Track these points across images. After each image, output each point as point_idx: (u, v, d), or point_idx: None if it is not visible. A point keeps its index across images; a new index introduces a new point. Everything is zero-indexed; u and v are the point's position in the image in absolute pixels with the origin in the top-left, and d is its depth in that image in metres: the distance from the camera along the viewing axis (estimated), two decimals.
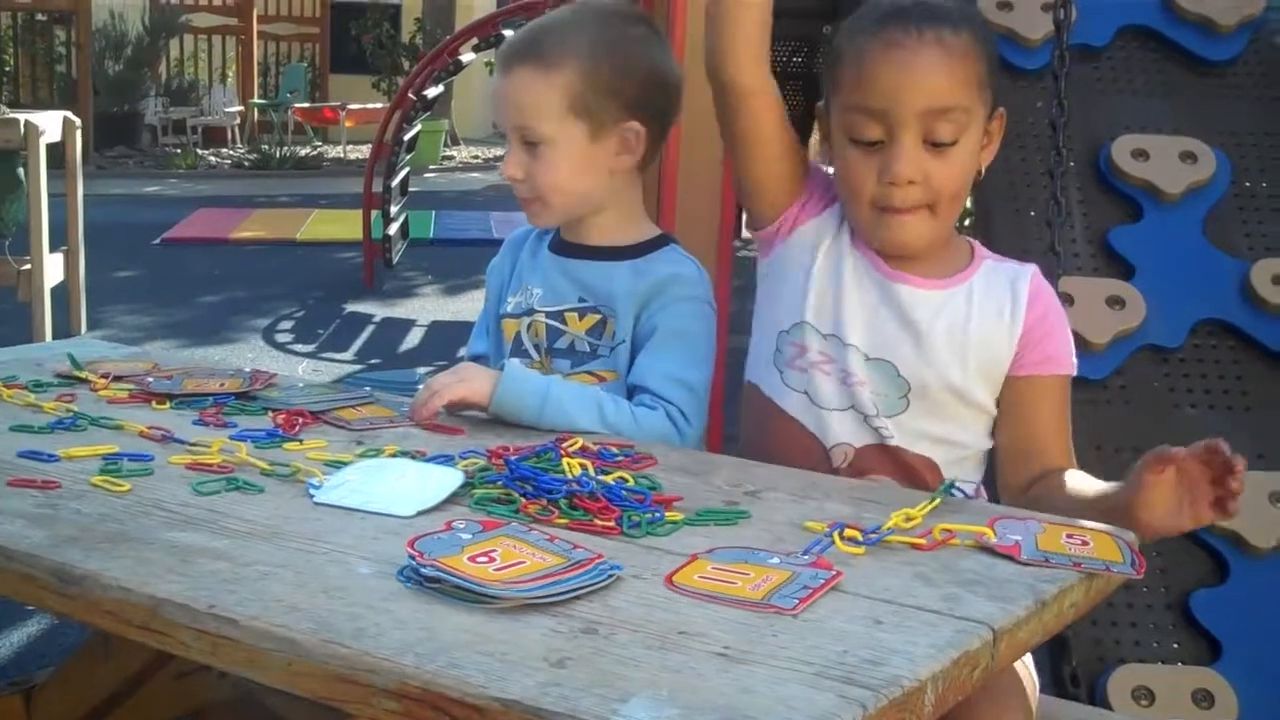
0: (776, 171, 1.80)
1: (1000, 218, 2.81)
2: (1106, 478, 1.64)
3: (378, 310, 7.64)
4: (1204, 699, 2.17)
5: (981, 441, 1.75)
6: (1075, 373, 1.77)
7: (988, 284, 1.75)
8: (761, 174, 1.81)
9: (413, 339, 7.03)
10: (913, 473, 1.72)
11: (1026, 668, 1.62)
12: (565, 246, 2.01)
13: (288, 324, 7.20)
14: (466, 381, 1.83)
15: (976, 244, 1.82)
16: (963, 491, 1.72)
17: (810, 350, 1.76)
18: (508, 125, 1.93)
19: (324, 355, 6.46)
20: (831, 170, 1.79)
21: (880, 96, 1.66)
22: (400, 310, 7.63)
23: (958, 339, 1.71)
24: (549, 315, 1.97)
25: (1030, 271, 1.77)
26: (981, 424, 1.75)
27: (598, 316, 1.94)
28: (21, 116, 5.24)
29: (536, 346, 1.97)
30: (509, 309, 2.02)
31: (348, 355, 6.52)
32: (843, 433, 1.75)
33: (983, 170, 1.76)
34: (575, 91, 1.88)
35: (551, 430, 1.76)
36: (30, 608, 3.07)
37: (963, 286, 1.74)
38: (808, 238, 1.80)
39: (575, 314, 1.96)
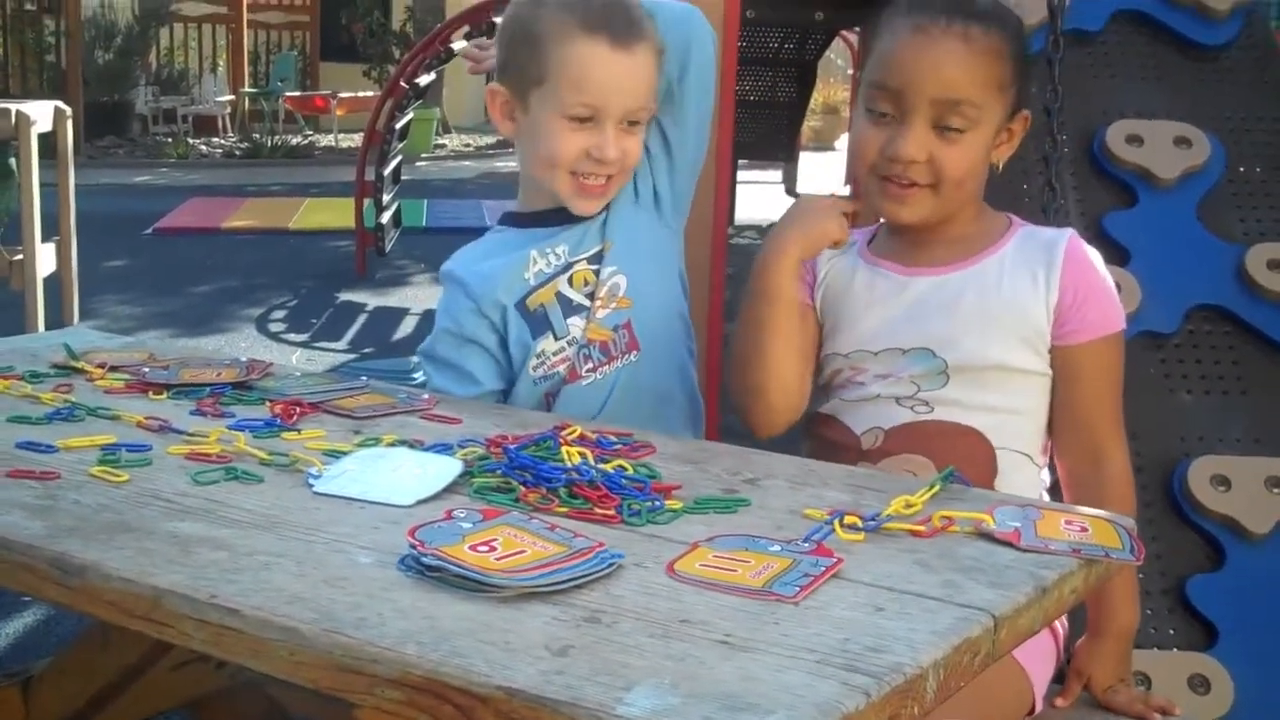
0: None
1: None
2: None
3: (371, 299, 7.62)
4: (1200, 685, 2.18)
5: (1039, 405, 1.77)
6: (1122, 328, 1.78)
7: (1021, 250, 1.78)
8: None
9: (406, 327, 7.01)
10: (952, 444, 1.73)
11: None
12: (547, 216, 1.97)
13: (280, 313, 7.18)
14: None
15: (1015, 218, 1.85)
16: (1027, 456, 1.76)
17: (841, 373, 1.81)
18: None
19: (317, 344, 6.45)
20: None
21: (897, 77, 1.71)
22: (393, 299, 7.62)
23: (989, 308, 1.74)
24: (589, 260, 1.95)
25: (1066, 236, 1.79)
26: (1035, 388, 1.76)
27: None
28: (13, 107, 5.22)
29: (590, 294, 1.95)
30: (530, 284, 1.95)
31: (341, 344, 6.51)
32: (873, 418, 1.78)
33: (999, 166, 1.80)
34: None
35: None
36: (27, 599, 3.09)
37: (993, 258, 1.78)
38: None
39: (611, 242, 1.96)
